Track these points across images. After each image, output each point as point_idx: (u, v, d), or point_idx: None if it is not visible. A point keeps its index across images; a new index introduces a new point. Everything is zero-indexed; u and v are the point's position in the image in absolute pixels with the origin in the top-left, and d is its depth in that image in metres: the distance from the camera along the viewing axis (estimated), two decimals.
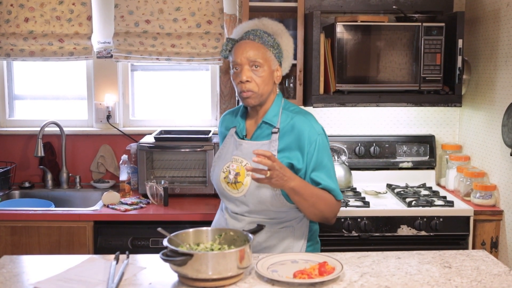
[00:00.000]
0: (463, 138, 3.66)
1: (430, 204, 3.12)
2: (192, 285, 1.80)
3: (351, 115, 3.71)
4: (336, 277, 1.85)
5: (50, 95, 3.87)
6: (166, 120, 3.81)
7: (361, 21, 3.22)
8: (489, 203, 3.14)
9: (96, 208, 3.13)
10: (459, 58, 3.22)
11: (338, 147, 3.60)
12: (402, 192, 3.38)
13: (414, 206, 3.10)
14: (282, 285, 1.81)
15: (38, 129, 3.46)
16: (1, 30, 3.56)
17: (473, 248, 3.10)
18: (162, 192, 3.19)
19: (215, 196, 3.30)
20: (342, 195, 2.31)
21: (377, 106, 3.29)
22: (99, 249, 3.04)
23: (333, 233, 3.05)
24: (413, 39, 3.23)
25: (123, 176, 3.38)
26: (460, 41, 3.21)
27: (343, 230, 3.05)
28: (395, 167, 3.66)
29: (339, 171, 3.41)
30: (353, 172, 3.52)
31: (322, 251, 2.94)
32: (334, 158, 3.52)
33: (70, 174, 3.64)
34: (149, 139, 3.41)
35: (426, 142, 3.67)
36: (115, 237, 3.06)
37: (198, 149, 3.32)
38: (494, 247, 3.12)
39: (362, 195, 3.35)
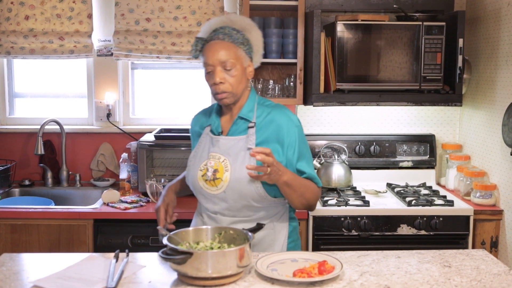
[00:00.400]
0: (463, 137, 3.66)
1: (430, 203, 3.12)
2: (192, 284, 1.80)
3: (352, 114, 3.71)
4: (336, 276, 1.85)
5: (51, 93, 3.86)
6: (166, 118, 3.81)
7: (362, 20, 3.22)
8: (489, 203, 3.14)
9: (96, 206, 3.13)
10: (460, 58, 3.22)
11: (338, 146, 3.60)
12: (402, 191, 3.38)
13: (414, 205, 3.10)
14: (282, 284, 1.81)
15: (38, 127, 3.46)
16: (2, 28, 3.55)
17: (473, 247, 3.10)
18: (162, 191, 3.18)
19: None
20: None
21: (378, 105, 3.29)
22: (99, 247, 3.04)
23: (333, 232, 3.05)
24: (413, 38, 3.22)
25: (123, 175, 3.38)
26: (460, 41, 3.21)
27: (343, 229, 3.05)
28: (395, 166, 3.66)
29: (339, 170, 3.41)
30: (353, 171, 3.52)
31: (322, 250, 2.95)
32: (334, 157, 3.52)
33: (70, 172, 3.64)
34: (149, 138, 3.41)
35: (426, 141, 3.67)
36: (115, 235, 3.06)
37: None
38: (494, 246, 3.12)
39: (362, 194, 3.35)
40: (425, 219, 3.06)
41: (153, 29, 3.57)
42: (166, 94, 3.87)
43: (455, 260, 2.07)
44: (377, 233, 3.06)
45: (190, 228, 2.01)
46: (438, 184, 3.68)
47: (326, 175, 3.41)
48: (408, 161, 3.66)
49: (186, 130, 3.55)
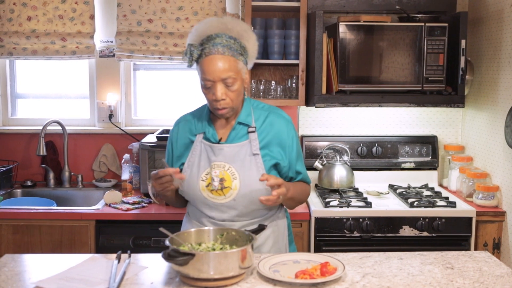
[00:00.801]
0: (465, 138, 3.65)
1: (432, 204, 3.11)
2: (194, 285, 1.80)
3: (354, 115, 3.71)
4: (338, 277, 1.84)
5: (53, 94, 3.87)
6: (168, 119, 3.81)
7: (364, 21, 3.21)
8: (492, 204, 3.13)
9: (98, 207, 3.13)
10: (462, 59, 3.21)
11: (341, 147, 3.60)
12: (404, 192, 3.38)
13: (416, 206, 3.10)
14: (284, 285, 1.80)
15: (41, 128, 3.46)
16: (4, 28, 3.56)
17: (475, 249, 3.09)
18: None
19: None
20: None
21: (380, 106, 3.28)
22: (100, 248, 3.04)
23: (335, 234, 3.05)
24: (416, 39, 3.22)
25: (125, 175, 3.38)
26: (463, 42, 3.20)
27: (345, 230, 3.04)
28: (397, 167, 3.65)
29: (341, 172, 3.41)
30: (355, 172, 3.51)
31: (323, 251, 2.94)
32: (336, 158, 3.51)
33: (72, 173, 3.64)
34: (151, 139, 3.41)
35: (429, 142, 3.67)
36: (116, 236, 3.06)
37: None
38: (496, 248, 3.11)
39: (364, 195, 3.34)
40: (427, 220, 3.05)
41: (155, 30, 3.57)
42: (168, 95, 3.87)
43: (457, 261, 2.06)
44: (379, 235, 3.06)
45: (192, 230, 2.01)
46: (440, 185, 3.68)
47: (328, 176, 3.41)
48: (410, 162, 3.65)
49: None
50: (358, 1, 3.47)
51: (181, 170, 2.20)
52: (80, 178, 3.62)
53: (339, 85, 3.23)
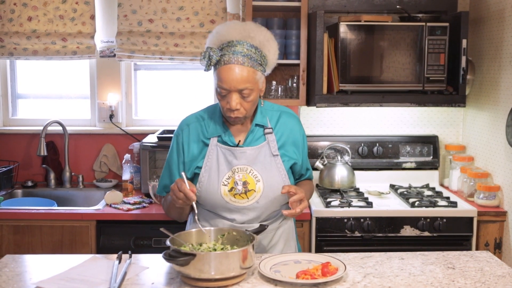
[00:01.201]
0: (466, 138, 3.65)
1: (434, 204, 3.11)
2: (195, 285, 1.80)
3: (355, 115, 3.70)
4: (339, 277, 1.84)
5: (53, 94, 3.87)
6: (169, 119, 3.81)
7: (365, 21, 3.21)
8: (493, 204, 3.13)
9: (99, 207, 3.13)
10: (463, 58, 3.21)
11: (341, 147, 3.60)
12: (405, 192, 3.37)
13: (418, 206, 3.09)
14: (285, 286, 1.80)
15: (41, 128, 3.46)
16: (4, 29, 3.56)
17: (477, 249, 3.09)
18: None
19: None
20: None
21: (381, 106, 3.28)
22: (101, 249, 3.04)
23: (336, 234, 3.04)
24: (417, 39, 3.22)
25: (126, 176, 3.38)
26: (464, 41, 3.20)
27: (346, 230, 3.04)
28: (398, 167, 3.65)
29: (342, 171, 3.40)
30: (356, 172, 3.51)
31: (324, 251, 2.94)
32: (337, 158, 3.50)
33: (73, 173, 3.64)
34: (152, 139, 3.41)
35: (430, 142, 3.66)
36: (117, 237, 3.05)
37: None
38: (497, 248, 3.11)
39: (365, 195, 3.34)
40: (428, 220, 3.05)
41: (155, 30, 3.57)
42: (168, 95, 3.87)
43: (459, 261, 2.06)
44: (380, 235, 3.05)
45: (193, 230, 2.01)
46: (442, 185, 3.67)
47: (329, 176, 3.41)
48: (411, 162, 3.65)
49: None
50: (359, 1, 3.47)
51: (196, 174, 2.17)
52: (80, 178, 3.62)
53: (340, 85, 3.22)
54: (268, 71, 2.15)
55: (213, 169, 2.14)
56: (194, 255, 1.75)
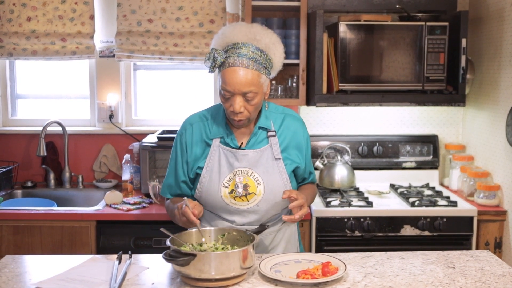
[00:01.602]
0: (466, 138, 3.65)
1: (434, 204, 3.11)
2: (195, 285, 1.79)
3: (354, 115, 3.70)
4: (340, 277, 1.84)
5: (53, 95, 3.86)
6: (168, 119, 3.80)
7: (364, 21, 3.21)
8: (493, 203, 3.13)
9: (99, 207, 3.13)
10: (463, 58, 3.21)
11: (341, 147, 3.59)
12: (405, 192, 3.37)
13: (418, 206, 3.09)
14: (286, 285, 1.80)
15: (41, 128, 3.46)
16: (4, 29, 3.55)
17: (477, 248, 3.09)
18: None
19: None
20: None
21: (380, 105, 3.28)
22: (101, 249, 3.03)
23: (336, 233, 3.04)
24: (416, 39, 3.21)
25: (126, 176, 3.38)
26: (463, 41, 3.20)
27: (346, 230, 3.04)
28: (398, 167, 3.65)
29: (342, 171, 3.40)
30: (356, 172, 3.51)
31: (325, 251, 2.94)
32: (337, 158, 3.50)
33: (72, 174, 3.64)
34: (151, 139, 3.41)
35: (430, 141, 3.66)
36: (117, 237, 3.05)
37: None
38: (497, 247, 3.11)
39: (365, 195, 3.34)
40: (428, 219, 3.05)
41: (155, 30, 3.56)
42: (168, 95, 3.86)
43: (459, 261, 2.06)
44: (381, 234, 3.05)
45: (193, 230, 2.00)
46: (442, 184, 3.67)
47: (329, 176, 3.41)
48: (411, 161, 3.65)
49: None
50: (358, 0, 3.47)
51: (198, 174, 2.17)
52: (80, 179, 3.61)
53: (340, 84, 3.22)
54: (273, 74, 2.13)
55: (214, 171, 2.14)
56: (194, 255, 1.75)
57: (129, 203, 3.19)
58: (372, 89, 3.26)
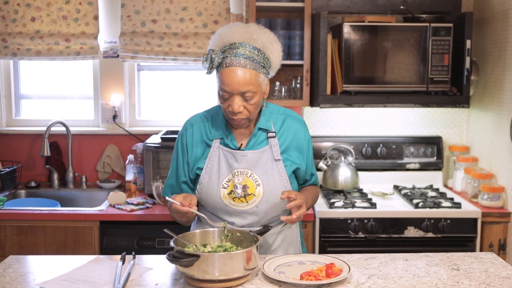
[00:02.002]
0: (470, 139, 3.64)
1: (437, 205, 3.10)
2: (199, 286, 1.79)
3: (358, 116, 3.70)
4: (344, 278, 1.84)
5: (57, 95, 3.87)
6: (172, 120, 3.80)
7: (369, 22, 3.21)
8: (497, 205, 3.12)
9: (102, 208, 3.13)
10: (467, 59, 3.20)
11: (345, 148, 3.59)
12: (409, 193, 3.37)
13: (421, 207, 3.08)
14: (289, 287, 1.80)
15: (45, 128, 3.46)
16: (8, 29, 3.56)
17: (481, 250, 3.08)
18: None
19: None
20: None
21: (384, 107, 3.27)
22: (105, 249, 3.04)
23: (340, 235, 3.04)
24: (420, 40, 3.21)
25: (129, 176, 3.38)
26: (468, 42, 3.19)
27: (350, 231, 3.03)
28: (402, 168, 3.64)
29: (346, 172, 3.40)
30: (359, 173, 3.50)
31: (328, 252, 2.94)
32: (341, 159, 3.50)
33: (76, 174, 3.64)
34: (155, 139, 3.41)
35: (434, 143, 3.65)
36: (121, 237, 3.05)
37: None
38: (502, 249, 3.10)
39: (369, 196, 3.33)
40: (432, 221, 3.04)
41: (159, 30, 3.57)
42: (172, 96, 3.87)
43: (463, 263, 2.05)
44: (384, 235, 3.05)
45: (197, 231, 2.00)
46: (445, 186, 3.67)
47: (333, 177, 3.40)
48: (415, 163, 3.64)
49: None
50: (362, 1, 3.46)
51: (198, 175, 2.17)
52: (84, 179, 3.62)
53: (344, 85, 3.22)
54: (272, 74, 2.13)
55: (213, 171, 2.14)
56: (198, 256, 1.74)
57: (132, 204, 3.19)
58: (376, 90, 3.25)
